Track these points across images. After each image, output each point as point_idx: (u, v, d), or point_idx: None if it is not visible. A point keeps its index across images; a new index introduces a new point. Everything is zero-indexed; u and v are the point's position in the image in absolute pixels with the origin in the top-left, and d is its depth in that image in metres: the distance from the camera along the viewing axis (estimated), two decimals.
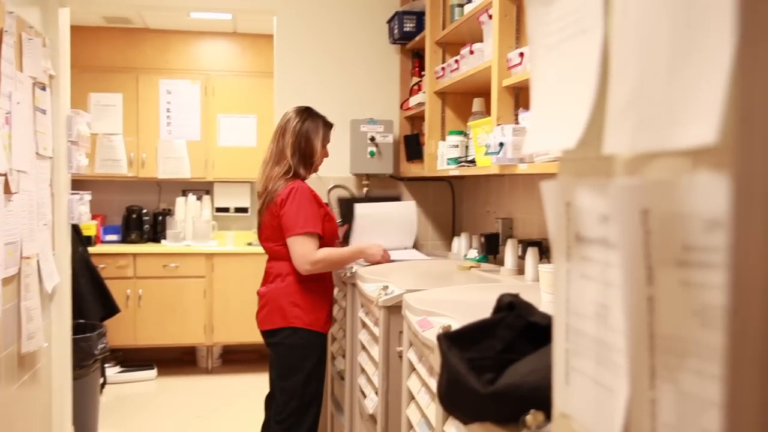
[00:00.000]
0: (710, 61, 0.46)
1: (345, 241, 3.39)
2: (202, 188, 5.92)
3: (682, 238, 0.49)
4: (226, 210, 5.90)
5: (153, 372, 5.29)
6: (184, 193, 5.86)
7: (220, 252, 5.38)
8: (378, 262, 3.07)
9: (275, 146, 2.95)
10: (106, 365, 4.81)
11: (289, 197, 2.81)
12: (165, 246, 5.42)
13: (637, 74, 0.57)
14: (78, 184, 5.47)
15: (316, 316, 2.89)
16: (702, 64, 0.47)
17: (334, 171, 3.86)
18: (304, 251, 2.80)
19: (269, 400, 3.11)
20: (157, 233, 5.65)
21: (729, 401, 0.42)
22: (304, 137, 2.93)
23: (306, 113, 2.99)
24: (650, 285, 0.54)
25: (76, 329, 3.80)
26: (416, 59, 3.86)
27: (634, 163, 0.57)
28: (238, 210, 5.88)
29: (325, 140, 3.00)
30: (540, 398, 0.92)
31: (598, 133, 0.61)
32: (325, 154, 3.04)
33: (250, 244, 5.66)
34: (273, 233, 2.90)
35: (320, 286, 2.94)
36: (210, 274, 5.36)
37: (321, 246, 2.88)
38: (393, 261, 3.14)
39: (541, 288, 2.18)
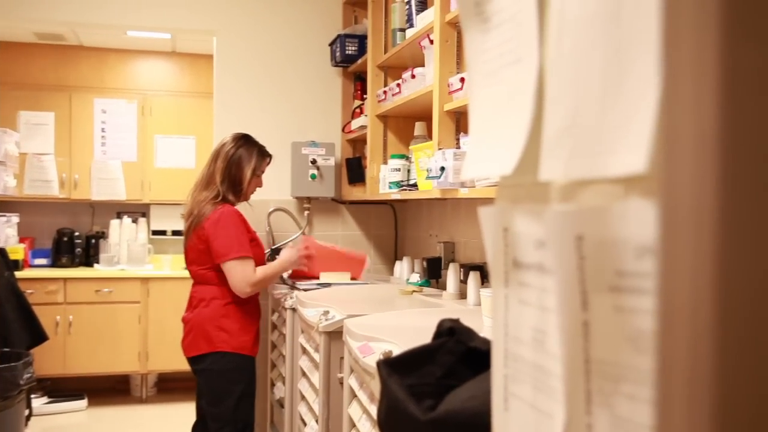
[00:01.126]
0: (639, 92, 0.48)
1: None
2: (138, 210, 5.80)
3: (614, 263, 0.51)
4: (162, 233, 5.79)
5: (83, 402, 5.10)
6: (119, 216, 5.73)
7: (156, 276, 5.28)
8: (305, 264, 3.13)
9: (207, 170, 2.98)
10: (32, 396, 4.62)
11: (220, 222, 2.81)
12: (98, 270, 5.28)
13: (571, 103, 0.58)
14: (5, 205, 5.27)
15: (244, 339, 2.87)
16: (632, 94, 0.49)
17: (275, 194, 3.84)
18: (245, 274, 2.80)
19: (196, 429, 3.05)
20: (89, 257, 5.50)
21: (660, 425, 0.43)
22: (235, 164, 2.95)
23: (242, 140, 3.00)
24: (585, 310, 0.55)
25: (1, 358, 3.65)
26: (358, 82, 3.89)
27: (568, 189, 0.58)
28: (176, 233, 5.78)
29: (258, 169, 3.02)
30: (480, 424, 0.92)
31: (534, 159, 0.62)
32: (258, 184, 3.06)
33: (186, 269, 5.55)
34: (198, 257, 2.89)
35: (246, 309, 2.92)
36: (145, 299, 5.24)
37: None
38: (308, 287, 3.12)
39: (483, 313, 2.20)
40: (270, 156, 3.10)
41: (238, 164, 2.95)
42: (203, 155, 5.59)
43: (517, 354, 0.68)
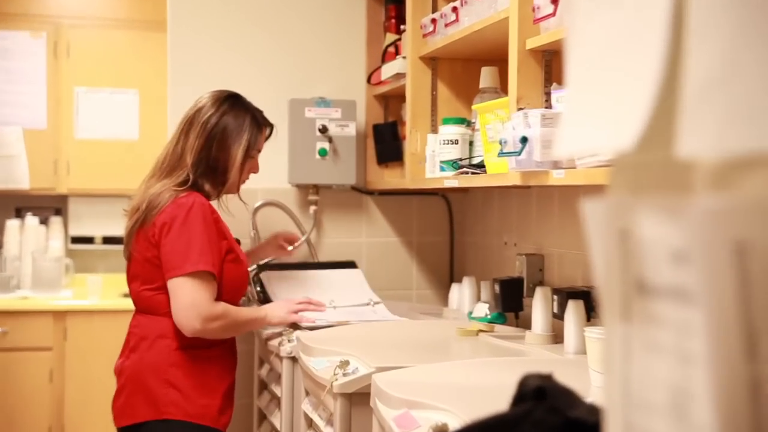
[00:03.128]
0: None
1: (263, 297, 3.55)
2: (49, 206, 5.87)
3: None
4: (88, 240, 5.86)
5: None
6: (19, 214, 5.79)
7: (77, 308, 5.32)
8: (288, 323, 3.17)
9: (173, 147, 2.97)
10: None
11: (177, 218, 2.81)
12: None
13: (731, 36, 0.58)
14: None
15: (205, 404, 2.87)
16: None
17: (263, 180, 3.84)
18: (195, 300, 2.79)
19: None
20: None
21: None
22: (217, 140, 2.96)
23: (228, 103, 3.01)
24: (752, 361, 0.56)
25: None
26: (392, 5, 3.89)
27: (723, 172, 0.58)
28: (109, 240, 5.82)
29: (253, 147, 3.03)
30: None
31: (668, 125, 0.62)
32: (253, 169, 3.09)
33: (126, 295, 5.60)
34: (144, 270, 2.91)
35: (213, 355, 2.92)
36: (61, 343, 5.29)
37: (220, 294, 2.89)
38: (316, 326, 3.14)
39: (589, 364, 2.19)
40: (271, 126, 3.12)
41: (222, 140, 2.95)
42: (151, 119, 5.63)
43: (646, 427, 0.69)
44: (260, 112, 3.08)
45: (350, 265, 3.86)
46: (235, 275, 2.94)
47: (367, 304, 3.50)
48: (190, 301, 2.77)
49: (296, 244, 3.68)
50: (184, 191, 2.87)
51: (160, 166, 2.97)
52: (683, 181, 0.62)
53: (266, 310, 3.13)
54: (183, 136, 2.95)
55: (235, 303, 2.99)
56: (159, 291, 2.88)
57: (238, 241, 3.08)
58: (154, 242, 2.84)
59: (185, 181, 2.88)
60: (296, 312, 3.14)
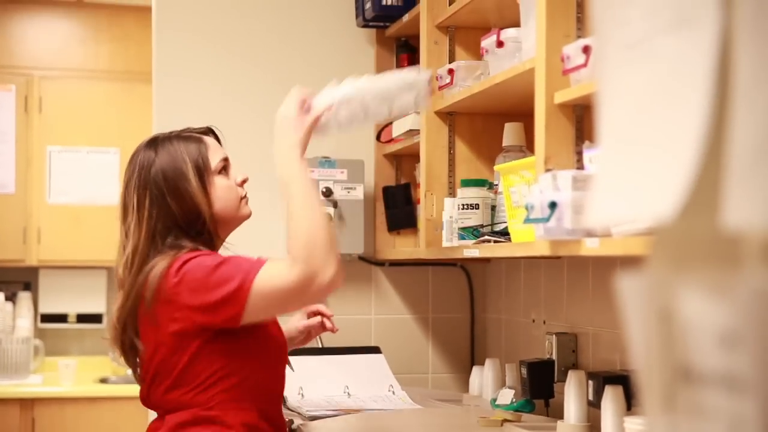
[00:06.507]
0: None
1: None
2: (18, 279, 5.89)
3: None
4: (60, 319, 5.86)
5: None
6: None
7: (47, 396, 5.31)
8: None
9: (132, 249, 2.67)
10: None
11: (192, 262, 2.51)
12: None
13: None
14: None
15: None
16: None
17: (261, 249, 3.82)
18: (272, 273, 2.46)
19: None
20: None
21: None
22: (167, 187, 2.61)
23: (153, 144, 2.71)
24: None
25: None
26: (404, 54, 3.92)
27: None
28: (84, 319, 5.82)
29: (208, 165, 2.66)
30: None
31: (713, 192, 0.63)
32: (234, 192, 2.70)
33: (104, 380, 5.58)
34: (170, 358, 2.56)
35: None
36: None
37: (247, 346, 2.56)
38: (323, 415, 3.07)
39: None
40: (210, 131, 2.79)
41: (171, 183, 2.61)
42: None
43: None
44: (186, 130, 2.75)
45: (373, 350, 3.83)
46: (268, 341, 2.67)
47: (387, 391, 3.49)
48: (270, 275, 2.46)
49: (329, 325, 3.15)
50: (175, 254, 2.56)
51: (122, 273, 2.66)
52: (731, 255, 0.62)
53: (285, 150, 2.62)
54: (131, 213, 2.67)
55: (267, 343, 2.68)
56: (188, 391, 2.57)
57: None
58: (174, 302, 2.51)
59: (167, 251, 2.58)
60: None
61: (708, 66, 0.65)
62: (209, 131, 2.77)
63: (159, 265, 2.57)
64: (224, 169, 2.69)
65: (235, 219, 2.71)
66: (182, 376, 2.56)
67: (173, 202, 2.60)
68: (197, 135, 2.72)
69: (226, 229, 2.70)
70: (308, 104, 2.62)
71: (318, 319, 2.95)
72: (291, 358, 3.16)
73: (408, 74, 2.75)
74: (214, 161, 2.66)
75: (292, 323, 3.00)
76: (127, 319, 2.61)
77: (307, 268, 2.41)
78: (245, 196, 2.72)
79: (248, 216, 2.73)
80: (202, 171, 2.63)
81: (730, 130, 0.62)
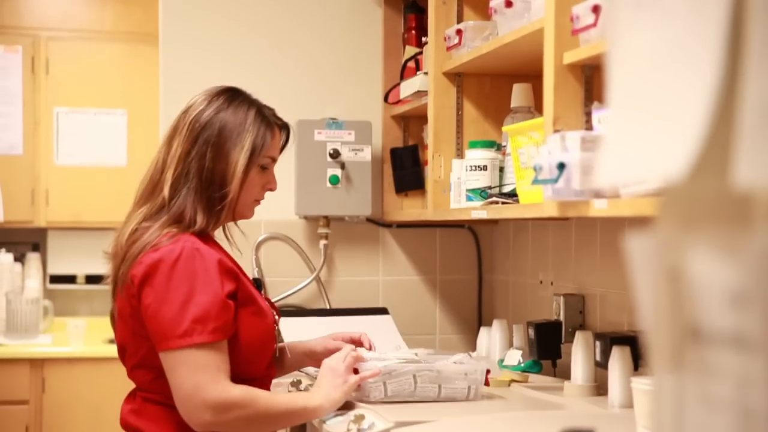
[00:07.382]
0: None
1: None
2: (26, 240, 5.91)
3: None
4: (69, 279, 5.88)
5: None
6: None
7: (56, 356, 5.33)
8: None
9: (154, 165, 2.62)
10: None
11: (160, 270, 2.41)
12: None
13: None
14: None
15: None
16: None
17: (267, 212, 3.80)
18: (198, 383, 2.36)
19: None
20: None
21: None
22: (212, 143, 2.53)
23: (224, 96, 2.62)
24: None
25: None
26: (412, 14, 3.91)
27: None
28: (92, 279, 5.83)
29: (261, 152, 2.60)
30: None
31: (723, 152, 0.63)
32: (268, 183, 2.69)
33: (113, 341, 5.59)
34: (128, 335, 2.58)
35: None
36: (38, 396, 5.29)
37: (237, 362, 2.47)
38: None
39: (637, 420, 2.17)
40: (286, 127, 2.76)
41: (218, 144, 2.53)
42: (141, 143, 5.63)
43: None
44: (270, 109, 2.69)
45: (381, 311, 3.83)
46: (257, 328, 2.57)
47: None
48: (192, 385, 2.36)
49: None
50: (167, 232, 2.47)
51: (141, 191, 2.59)
52: (741, 215, 0.62)
53: (318, 396, 2.60)
54: (165, 147, 2.59)
55: (262, 371, 2.63)
56: (143, 366, 2.57)
57: (257, 284, 2.77)
58: (134, 304, 2.47)
59: (168, 220, 2.50)
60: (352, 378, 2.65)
61: (720, 24, 0.64)
62: (285, 127, 2.75)
63: (144, 238, 2.48)
64: (266, 167, 2.66)
65: (238, 214, 2.67)
66: (148, 358, 2.52)
67: (211, 154, 2.54)
68: (274, 120, 2.68)
69: (228, 217, 2.64)
70: (357, 365, 2.67)
71: (350, 348, 2.77)
72: (296, 319, 3.14)
73: (466, 363, 2.79)
74: (267, 154, 2.63)
75: (321, 339, 2.93)
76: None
77: (209, 426, 2.39)
78: (260, 201, 2.72)
79: (248, 218, 2.72)
80: (255, 154, 2.58)
81: (741, 89, 0.62)
